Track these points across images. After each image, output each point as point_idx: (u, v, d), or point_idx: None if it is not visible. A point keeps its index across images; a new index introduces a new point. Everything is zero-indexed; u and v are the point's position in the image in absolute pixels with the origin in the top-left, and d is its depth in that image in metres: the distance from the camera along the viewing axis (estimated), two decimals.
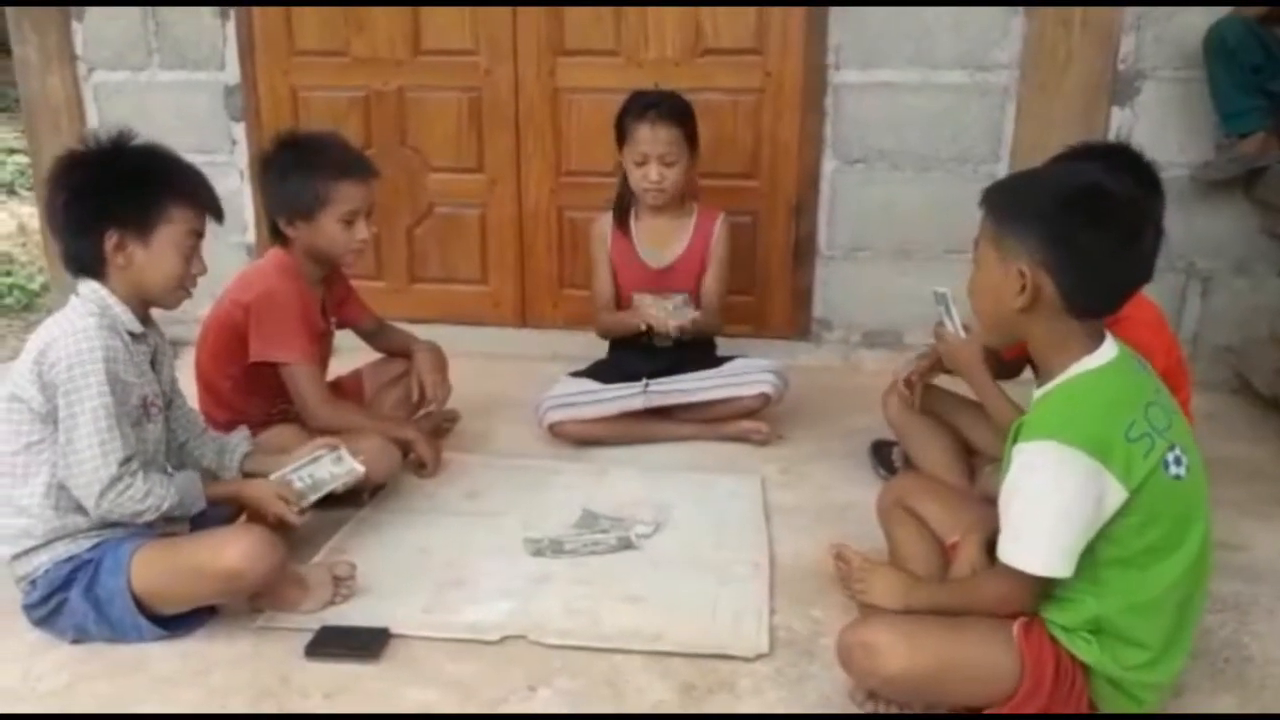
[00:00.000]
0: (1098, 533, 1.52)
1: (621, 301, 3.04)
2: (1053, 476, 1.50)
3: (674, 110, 2.87)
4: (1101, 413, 1.51)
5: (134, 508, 1.87)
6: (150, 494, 1.88)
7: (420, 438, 2.65)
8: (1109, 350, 1.58)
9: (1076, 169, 1.67)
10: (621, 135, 2.91)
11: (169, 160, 2.00)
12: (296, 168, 2.44)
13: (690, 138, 2.89)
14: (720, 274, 3.02)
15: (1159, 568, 1.54)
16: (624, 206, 3.02)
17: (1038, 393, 1.63)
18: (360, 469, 2.24)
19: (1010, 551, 1.56)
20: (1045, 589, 1.59)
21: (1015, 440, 1.58)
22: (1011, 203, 1.60)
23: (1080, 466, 1.48)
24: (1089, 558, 1.53)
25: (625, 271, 3.02)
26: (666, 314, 2.84)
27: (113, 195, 1.90)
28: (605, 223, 3.05)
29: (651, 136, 2.83)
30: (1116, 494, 1.49)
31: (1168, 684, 1.65)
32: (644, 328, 2.88)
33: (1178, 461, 1.54)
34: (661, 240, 3.01)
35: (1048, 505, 1.51)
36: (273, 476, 2.14)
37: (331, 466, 2.21)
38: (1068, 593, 1.57)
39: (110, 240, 1.90)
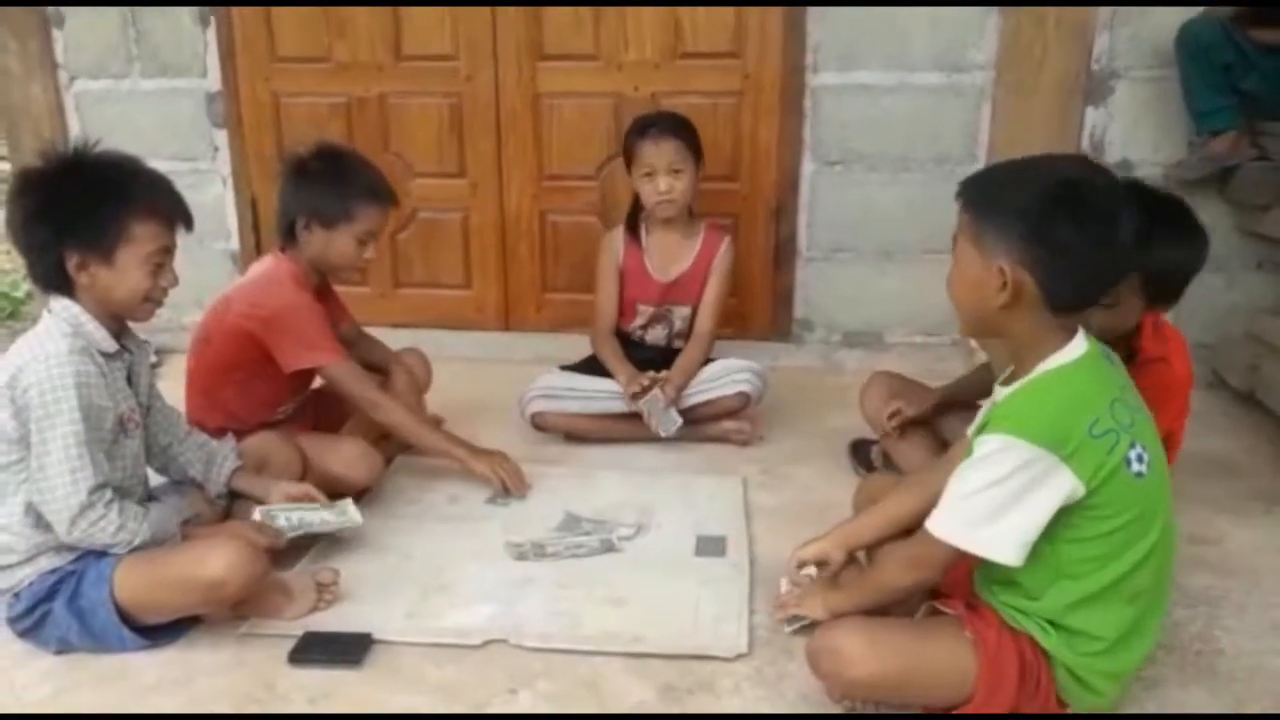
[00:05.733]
0: (1058, 527, 1.55)
1: (625, 311, 3.09)
2: (998, 466, 1.53)
3: (675, 124, 2.96)
4: (1063, 409, 1.53)
5: (105, 540, 1.88)
6: (123, 528, 1.88)
7: (472, 455, 2.59)
8: (1079, 346, 1.59)
9: (1056, 162, 1.64)
10: (628, 156, 2.98)
11: (129, 174, 1.93)
12: (331, 178, 2.50)
13: (694, 150, 2.95)
14: (716, 302, 3.05)
15: (1115, 562, 1.57)
16: (635, 221, 3.07)
17: (1005, 390, 1.64)
18: (359, 520, 2.27)
19: (933, 521, 1.62)
20: (981, 570, 1.65)
21: (979, 432, 1.61)
22: (990, 199, 1.57)
23: (1033, 460, 1.50)
24: (1049, 550, 1.57)
25: (633, 283, 3.07)
26: (656, 417, 2.82)
27: (70, 216, 1.86)
28: (617, 236, 3.10)
29: (656, 149, 2.90)
30: (1071, 487, 1.51)
31: (1125, 674, 1.68)
32: (629, 403, 2.84)
33: (1139, 459, 1.55)
34: (670, 255, 3.06)
35: (989, 492, 1.53)
36: (257, 514, 2.15)
37: (326, 514, 2.23)
38: (1024, 579, 1.61)
39: (72, 260, 1.87)
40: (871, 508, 1.97)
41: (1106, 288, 1.60)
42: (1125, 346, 2.07)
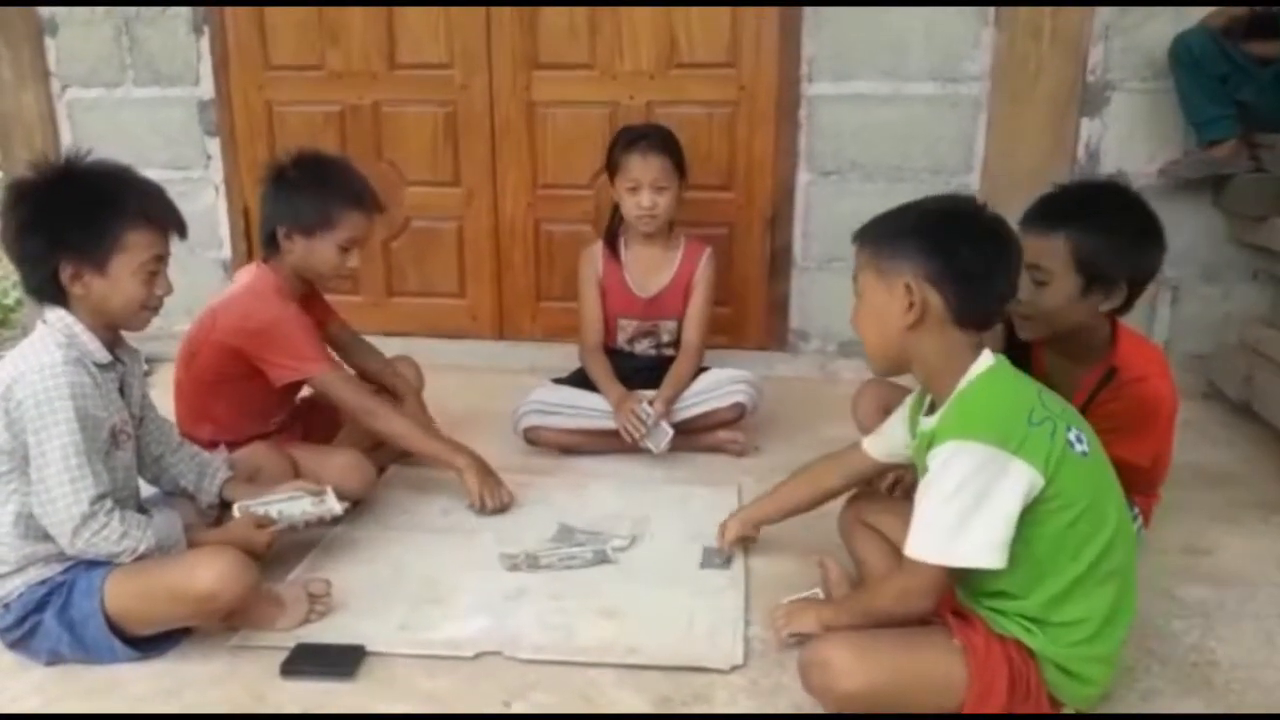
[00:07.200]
0: (1026, 522, 1.57)
1: (609, 329, 3.07)
2: (959, 472, 1.56)
3: (663, 140, 2.96)
4: (1001, 406, 1.59)
5: (109, 549, 1.85)
6: (126, 535, 1.86)
7: (471, 467, 2.56)
8: (988, 358, 1.66)
9: (939, 198, 1.78)
10: (613, 167, 2.98)
11: (121, 183, 1.91)
12: (312, 185, 2.47)
13: (679, 168, 2.96)
14: (702, 315, 3.04)
15: (1085, 550, 1.59)
16: (614, 235, 3.07)
17: (930, 420, 1.69)
18: (339, 509, 2.24)
19: (910, 545, 1.63)
20: (964, 582, 1.67)
21: (927, 449, 1.65)
22: (888, 229, 1.69)
23: (986, 460, 1.54)
24: (1024, 552, 1.58)
25: (614, 299, 3.06)
26: (645, 433, 2.78)
27: (63, 226, 1.84)
28: (596, 251, 3.09)
29: (643, 164, 2.90)
30: (1030, 478, 1.54)
31: (1113, 655, 1.68)
32: (623, 431, 2.80)
33: (1079, 439, 1.61)
34: (650, 270, 3.06)
35: (953, 499, 1.56)
36: (236, 510, 2.14)
37: (309, 506, 2.21)
38: (1003, 585, 1.63)
39: (66, 271, 1.86)
40: (771, 491, 2.23)
41: (1004, 301, 1.68)
42: (1104, 365, 2.06)
